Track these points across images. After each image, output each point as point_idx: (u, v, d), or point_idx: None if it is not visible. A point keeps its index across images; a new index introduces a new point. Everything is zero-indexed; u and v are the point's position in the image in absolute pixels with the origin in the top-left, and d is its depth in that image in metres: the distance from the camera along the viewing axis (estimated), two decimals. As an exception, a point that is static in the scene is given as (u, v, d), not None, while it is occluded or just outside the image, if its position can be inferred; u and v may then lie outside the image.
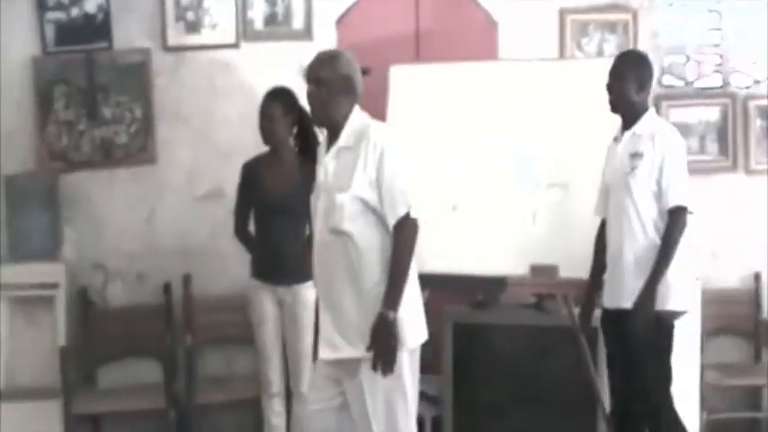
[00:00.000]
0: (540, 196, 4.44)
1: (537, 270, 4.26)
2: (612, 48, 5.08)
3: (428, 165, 4.60)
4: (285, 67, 5.00)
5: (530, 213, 4.41)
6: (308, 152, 4.44)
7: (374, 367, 3.16)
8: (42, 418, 4.63)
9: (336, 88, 3.39)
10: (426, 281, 4.40)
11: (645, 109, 3.91)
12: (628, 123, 3.89)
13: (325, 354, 3.34)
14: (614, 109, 3.92)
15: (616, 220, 3.87)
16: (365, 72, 5.00)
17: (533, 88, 4.55)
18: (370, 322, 3.20)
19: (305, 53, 5.02)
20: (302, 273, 4.15)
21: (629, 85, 3.85)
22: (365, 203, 3.25)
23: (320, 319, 3.37)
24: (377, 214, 3.26)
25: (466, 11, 5.17)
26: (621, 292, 3.82)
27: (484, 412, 4.46)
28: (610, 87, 3.90)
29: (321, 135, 3.55)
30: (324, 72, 3.38)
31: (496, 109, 4.56)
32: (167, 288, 4.94)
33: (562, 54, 5.11)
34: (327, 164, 3.35)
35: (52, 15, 5.07)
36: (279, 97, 4.39)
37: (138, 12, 5.09)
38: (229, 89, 5.11)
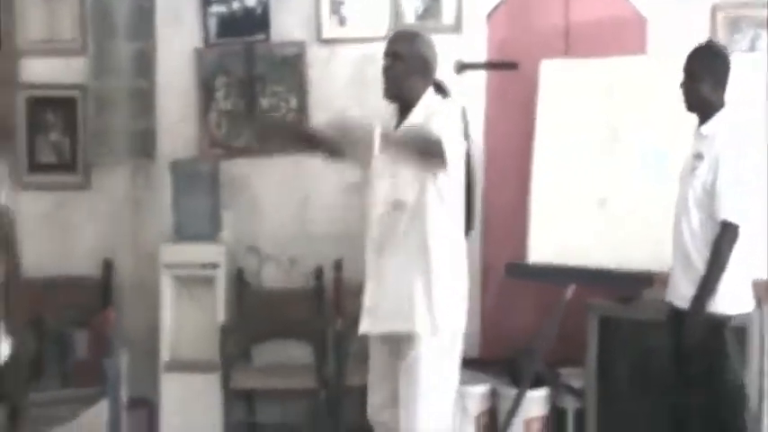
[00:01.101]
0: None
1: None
2: (765, 44, 5.03)
3: (576, 159, 4.68)
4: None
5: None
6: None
7: None
8: (202, 390, 4.90)
9: (412, 66, 3.47)
10: (572, 275, 4.53)
11: (719, 107, 3.77)
12: (701, 122, 3.80)
13: (367, 327, 3.49)
14: (689, 107, 3.82)
15: (677, 219, 3.79)
16: (513, 66, 5.15)
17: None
18: (426, 299, 3.34)
19: (455, 47, 5.21)
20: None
21: (704, 82, 3.74)
22: (433, 178, 3.34)
23: (368, 292, 3.49)
24: (441, 188, 3.35)
25: (615, 6, 5.18)
26: (674, 290, 3.80)
27: (627, 406, 4.49)
28: (683, 85, 3.80)
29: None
30: (403, 48, 3.48)
31: (645, 104, 4.58)
32: (319, 272, 5.14)
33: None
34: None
35: (215, 9, 5.32)
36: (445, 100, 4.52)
37: (294, 5, 5.30)
38: (379, 81, 5.26)
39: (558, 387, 4.71)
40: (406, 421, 3.39)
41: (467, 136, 4.54)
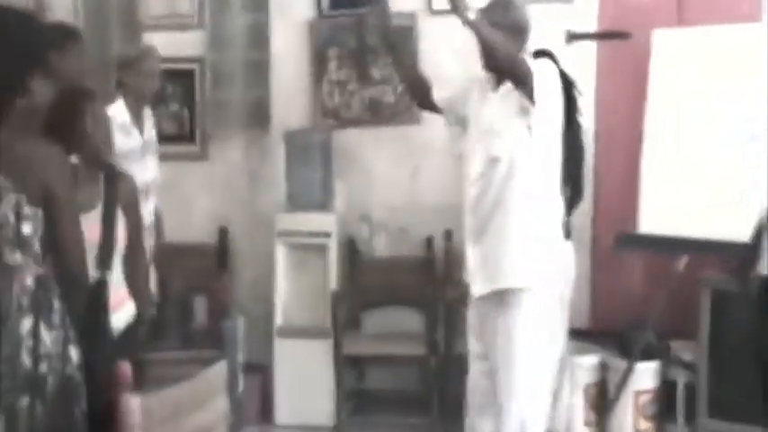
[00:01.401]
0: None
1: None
2: None
3: (688, 130, 4.61)
4: (547, 30, 5.09)
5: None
6: (567, 113, 4.58)
7: None
8: (313, 355, 5.02)
9: (507, 33, 3.47)
10: (684, 246, 4.48)
11: None
12: None
13: (478, 288, 3.56)
14: None
15: None
16: (624, 36, 5.09)
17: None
18: (525, 253, 3.44)
19: (565, 17, 5.17)
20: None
21: None
22: (527, 135, 3.44)
23: (472, 253, 3.57)
24: (535, 145, 3.44)
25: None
26: None
27: (738, 381, 4.42)
28: None
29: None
30: (496, 17, 3.49)
31: (759, 73, 4.49)
32: (429, 242, 5.20)
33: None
34: (493, 104, 3.54)
35: (328, -19, 5.42)
36: (541, 59, 4.51)
37: (406, -22, 5.35)
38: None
39: (668, 360, 4.68)
40: (506, 380, 3.49)
41: (575, 107, 4.57)
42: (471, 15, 3.35)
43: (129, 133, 4.39)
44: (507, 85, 3.50)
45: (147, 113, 4.61)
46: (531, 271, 3.48)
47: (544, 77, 3.48)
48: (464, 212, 3.64)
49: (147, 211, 4.32)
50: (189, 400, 2.90)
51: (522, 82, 3.40)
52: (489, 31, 3.38)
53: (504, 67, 3.44)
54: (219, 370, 3.08)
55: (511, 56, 3.42)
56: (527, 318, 3.46)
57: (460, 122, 3.79)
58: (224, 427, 3.05)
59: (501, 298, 3.50)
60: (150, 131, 4.60)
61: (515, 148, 3.45)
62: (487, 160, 3.49)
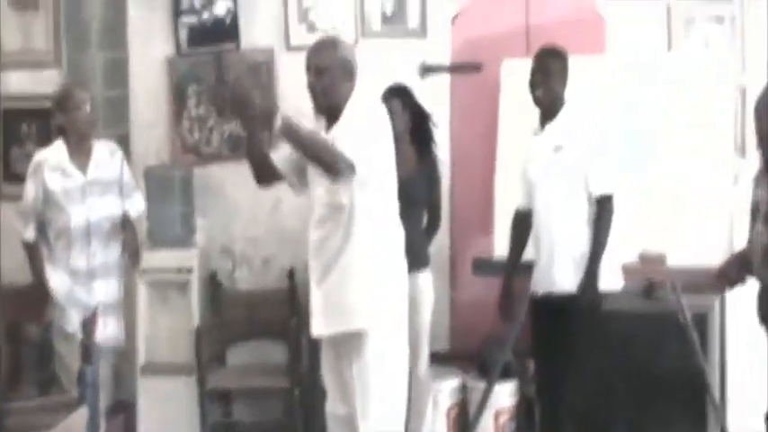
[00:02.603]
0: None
1: (646, 257, 4.39)
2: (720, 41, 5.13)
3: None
4: (402, 64, 5.26)
5: (638, 201, 4.51)
6: (423, 146, 4.71)
7: None
8: (178, 392, 4.98)
9: (337, 76, 3.45)
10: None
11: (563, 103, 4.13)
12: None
13: (319, 329, 3.55)
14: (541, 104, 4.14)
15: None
16: (476, 67, 5.27)
17: (640, 80, 4.70)
18: (368, 295, 3.43)
19: (420, 51, 5.33)
20: (421, 259, 4.43)
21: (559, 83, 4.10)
22: (365, 180, 3.38)
23: (315, 295, 3.55)
24: (374, 188, 3.43)
25: (574, 6, 5.30)
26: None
27: (592, 396, 4.50)
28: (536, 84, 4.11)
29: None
30: (324, 60, 3.47)
31: (604, 102, 4.71)
32: (291, 273, 5.23)
33: (669, 47, 5.19)
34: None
35: (186, 19, 5.42)
36: (397, 94, 4.62)
37: (263, 14, 5.41)
38: (348, 86, 5.38)
39: (526, 378, 4.81)
40: (362, 411, 3.47)
41: (430, 138, 4.71)
42: (277, 125, 3.34)
43: (65, 173, 4.34)
44: (339, 126, 3.48)
45: (102, 151, 4.47)
46: (375, 311, 3.48)
47: (371, 122, 3.47)
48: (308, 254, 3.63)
49: (87, 251, 4.34)
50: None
51: (338, 173, 3.35)
52: (298, 136, 3.37)
53: (322, 163, 3.38)
54: (80, 417, 3.03)
55: (325, 151, 3.36)
56: (376, 358, 3.46)
57: (302, 173, 3.68)
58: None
59: (348, 340, 3.50)
60: (100, 170, 4.42)
61: (355, 194, 3.44)
62: (329, 206, 3.48)
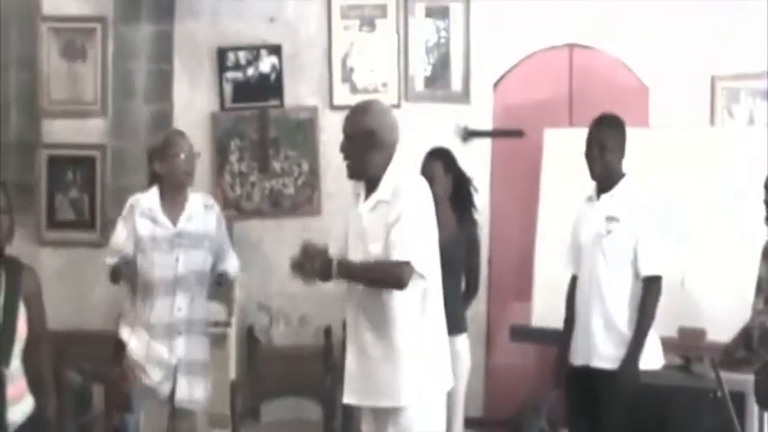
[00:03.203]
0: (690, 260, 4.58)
1: (685, 332, 4.40)
2: (764, 115, 5.20)
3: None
4: (444, 127, 5.32)
5: (678, 276, 4.55)
6: (463, 210, 4.72)
7: None
8: (212, 445, 5.02)
9: (362, 143, 3.36)
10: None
11: (621, 174, 4.03)
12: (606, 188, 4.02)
13: (348, 398, 3.44)
14: (594, 176, 4.02)
15: (590, 283, 4.05)
16: (518, 134, 5.32)
17: (683, 155, 4.74)
18: (392, 374, 3.27)
19: (463, 115, 5.39)
20: (457, 324, 4.43)
21: (613, 152, 3.99)
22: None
23: (348, 364, 3.42)
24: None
25: (618, 76, 5.37)
26: (593, 352, 3.98)
27: None
28: (589, 155, 3.99)
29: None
30: (349, 127, 3.41)
31: (647, 174, 4.73)
32: (328, 331, 5.27)
33: (713, 121, 5.26)
34: (363, 215, 3.37)
35: (231, 75, 5.53)
36: (439, 157, 4.64)
37: (307, 73, 5.51)
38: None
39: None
40: None
41: (471, 203, 4.72)
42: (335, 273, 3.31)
43: (155, 221, 4.12)
44: (376, 197, 3.38)
45: (196, 204, 4.19)
46: (411, 388, 3.34)
47: (414, 201, 3.34)
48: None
49: (171, 304, 4.08)
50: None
51: (404, 285, 3.28)
52: (355, 274, 3.34)
53: (388, 285, 3.28)
54: (124, 465, 3.07)
55: (385, 273, 3.28)
56: (413, 427, 3.33)
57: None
58: None
59: (383, 409, 3.40)
60: (192, 222, 4.13)
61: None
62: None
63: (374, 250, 3.32)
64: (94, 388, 4.96)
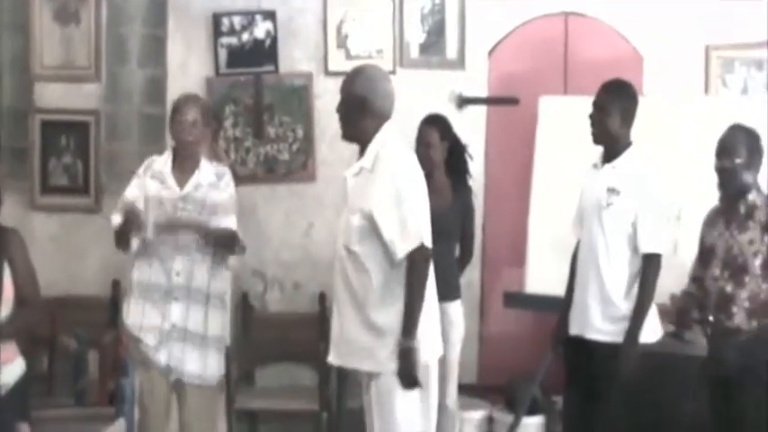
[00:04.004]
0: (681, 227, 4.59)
1: (677, 300, 4.41)
2: (758, 85, 5.21)
3: (572, 193, 4.81)
4: (439, 94, 5.32)
5: (671, 243, 4.56)
6: (458, 177, 4.73)
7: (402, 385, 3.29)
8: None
9: (351, 107, 3.40)
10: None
11: (627, 143, 3.95)
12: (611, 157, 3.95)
13: (332, 358, 3.54)
14: (596, 140, 3.97)
15: (589, 254, 4.04)
16: (513, 102, 5.32)
17: (677, 123, 4.74)
18: (371, 341, 3.31)
19: (458, 82, 5.39)
20: (452, 290, 4.45)
21: (612, 116, 3.90)
22: (375, 227, 3.29)
23: (333, 326, 3.53)
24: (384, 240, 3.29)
25: (613, 44, 5.37)
26: (586, 323, 3.99)
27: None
28: (592, 117, 3.93)
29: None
30: (343, 89, 3.46)
31: (641, 142, 4.73)
32: (322, 297, 5.28)
33: (707, 90, 5.26)
34: (348, 178, 3.42)
35: (225, 40, 5.48)
36: (435, 124, 4.64)
37: (302, 39, 5.48)
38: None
39: (553, 414, 4.85)
40: None
41: (465, 170, 4.73)
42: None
43: (163, 182, 4.11)
44: (360, 164, 3.42)
45: (207, 172, 4.16)
46: (390, 353, 3.34)
47: (392, 172, 3.36)
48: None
49: (169, 269, 4.02)
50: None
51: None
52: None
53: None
54: (118, 429, 3.09)
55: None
56: (390, 395, 3.36)
57: None
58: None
59: (359, 375, 3.48)
60: (200, 189, 4.11)
61: (361, 240, 3.37)
62: (343, 247, 3.45)
63: (355, 222, 3.36)
64: (89, 353, 4.96)
